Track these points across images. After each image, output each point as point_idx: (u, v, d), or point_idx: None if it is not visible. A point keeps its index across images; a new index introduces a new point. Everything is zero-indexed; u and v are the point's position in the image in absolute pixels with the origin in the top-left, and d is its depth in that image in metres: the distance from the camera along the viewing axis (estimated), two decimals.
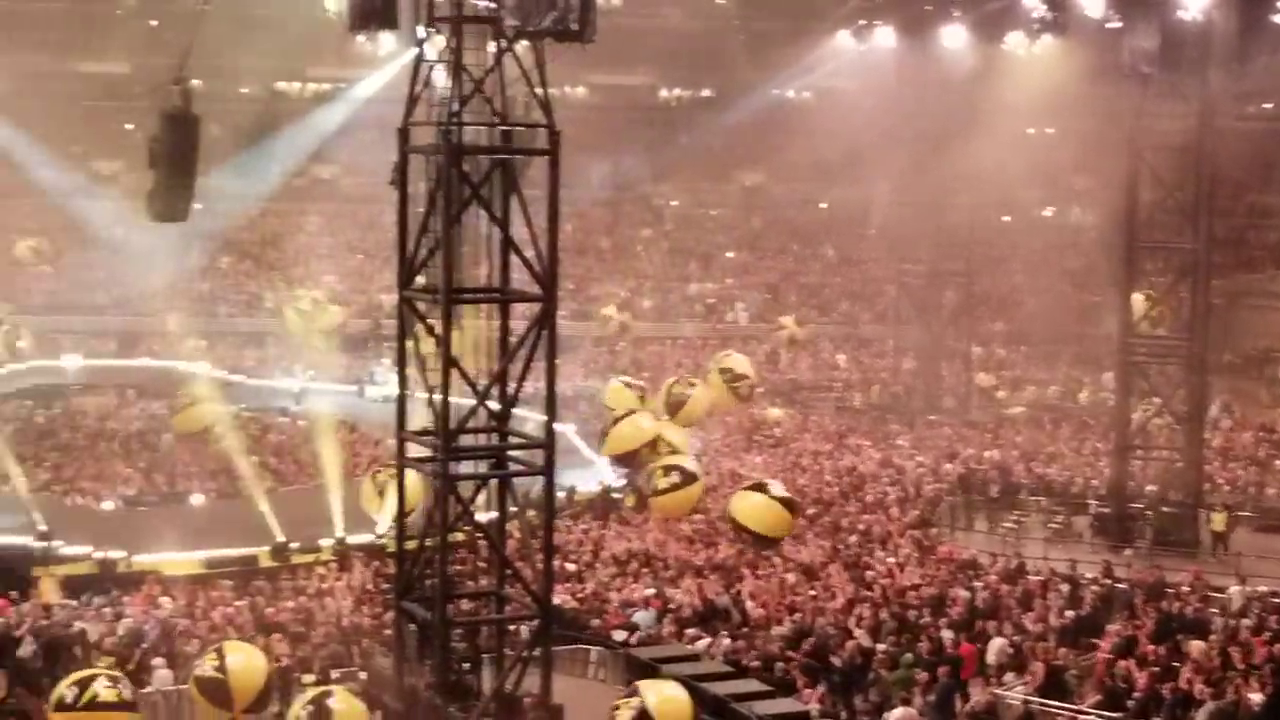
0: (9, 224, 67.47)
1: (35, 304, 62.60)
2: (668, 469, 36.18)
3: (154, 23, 63.75)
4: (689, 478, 35.97)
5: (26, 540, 33.13)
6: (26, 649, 27.31)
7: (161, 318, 62.41)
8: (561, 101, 26.20)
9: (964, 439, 48.60)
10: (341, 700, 21.50)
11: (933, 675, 25.08)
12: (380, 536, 33.11)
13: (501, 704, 22.63)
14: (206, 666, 23.49)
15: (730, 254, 72.95)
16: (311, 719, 21.17)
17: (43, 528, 33.40)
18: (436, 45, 23.21)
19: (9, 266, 64.82)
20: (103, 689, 22.62)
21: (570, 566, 32.08)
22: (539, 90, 22.80)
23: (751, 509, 33.19)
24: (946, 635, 27.37)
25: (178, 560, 32.74)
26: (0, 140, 58.78)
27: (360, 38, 53.54)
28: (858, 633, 27.48)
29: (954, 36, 50.88)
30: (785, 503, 33.48)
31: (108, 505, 38.55)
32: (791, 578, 31.07)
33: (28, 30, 61.87)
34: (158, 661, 25.89)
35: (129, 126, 65.04)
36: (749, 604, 29.53)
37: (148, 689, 25.22)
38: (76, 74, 65.81)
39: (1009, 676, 26.02)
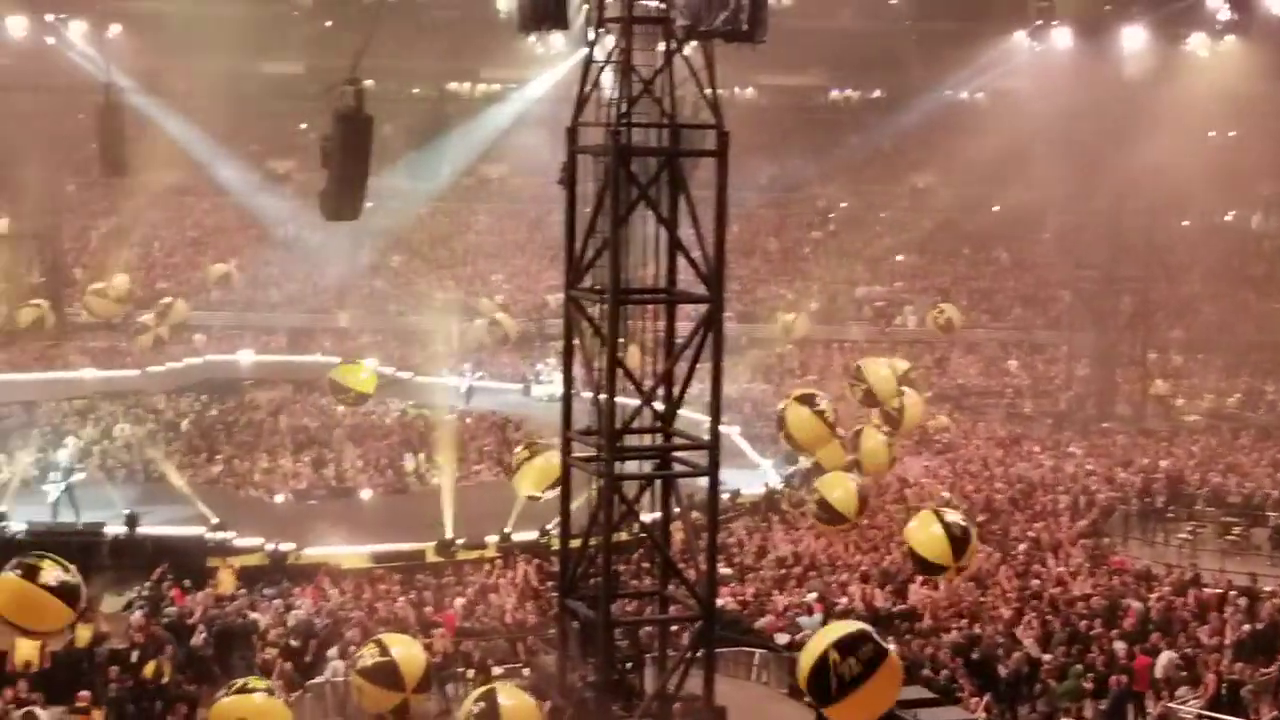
0: (189, 221, 69.05)
1: (212, 300, 63.84)
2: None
3: (328, 24, 64.77)
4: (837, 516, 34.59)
5: (201, 531, 33.78)
6: (199, 637, 27.89)
7: (333, 314, 63.54)
8: (730, 102, 26.12)
9: (1139, 447, 47.63)
10: (511, 696, 21.53)
11: (1102, 687, 24.59)
12: (545, 535, 33.19)
13: (664, 704, 22.58)
14: (368, 657, 23.78)
15: (899, 257, 72.21)
16: (482, 716, 21.21)
17: (216, 519, 34.01)
18: (606, 46, 23.22)
19: (186, 264, 66.29)
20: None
21: (732, 569, 31.93)
22: (708, 91, 22.73)
23: (929, 540, 31.39)
24: (1118, 647, 26.83)
25: (346, 554, 33.16)
26: (182, 139, 59.98)
27: (531, 38, 54.62)
28: (1026, 642, 27.05)
29: (1133, 37, 49.92)
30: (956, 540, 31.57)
31: (279, 498, 39.13)
32: (960, 585, 30.62)
33: (208, 32, 63.11)
34: (331, 653, 26.20)
35: (303, 126, 66.22)
36: (915, 610, 29.19)
37: (318, 679, 25.57)
38: (253, 75, 66.93)
39: (1182, 690, 25.43)
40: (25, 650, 27.46)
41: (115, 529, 33.43)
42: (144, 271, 66.90)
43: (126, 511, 33.75)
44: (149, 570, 31.55)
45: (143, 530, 33.52)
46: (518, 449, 34.90)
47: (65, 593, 23.67)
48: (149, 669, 26.04)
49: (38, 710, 24.33)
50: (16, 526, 33.43)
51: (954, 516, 29.41)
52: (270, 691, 22.79)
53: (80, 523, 33.81)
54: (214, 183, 63.80)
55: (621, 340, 22.75)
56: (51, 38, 55.66)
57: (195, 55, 61.16)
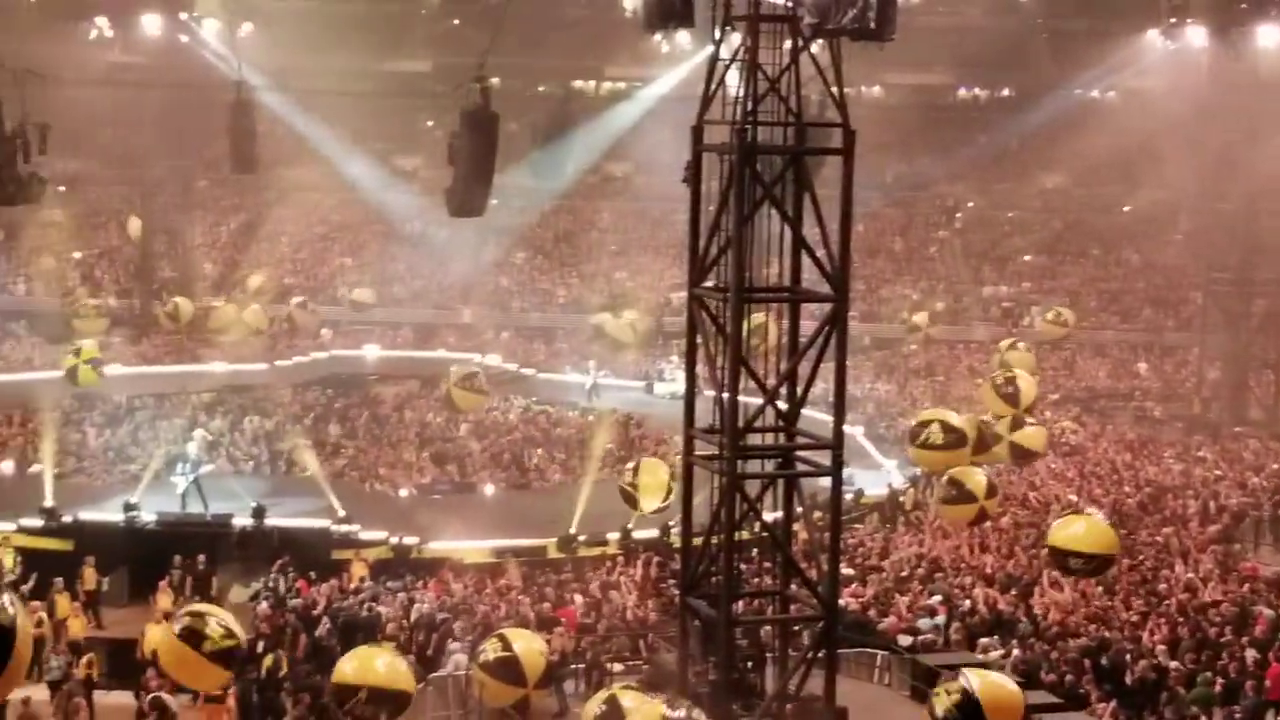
0: (316, 217, 69.84)
1: (339, 295, 64.54)
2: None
3: (455, 21, 65.20)
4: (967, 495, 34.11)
5: (326, 524, 34.14)
6: (323, 628, 28.19)
7: (457, 310, 63.99)
8: (857, 100, 25.96)
9: (1271, 452, 46.72)
10: (634, 700, 21.48)
11: (1233, 694, 24.17)
12: (666, 532, 33.19)
13: (784, 705, 22.49)
14: (490, 652, 23.92)
15: (1027, 257, 71.46)
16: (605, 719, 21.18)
17: (342, 512, 34.36)
18: (732, 44, 23.16)
19: (314, 260, 67.06)
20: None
21: (854, 569, 31.74)
22: (835, 89, 22.59)
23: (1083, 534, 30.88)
24: (1250, 655, 26.34)
25: (469, 548, 33.36)
26: (310, 136, 60.67)
27: (656, 37, 54.60)
28: (1159, 650, 26.63)
29: (1269, 35, 48.97)
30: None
31: (403, 492, 39.44)
32: (1087, 590, 30.21)
33: (337, 30, 63.80)
34: (453, 646, 26.35)
35: (429, 123, 66.75)
36: (1040, 615, 28.84)
37: (439, 672, 25.75)
38: (380, 72, 67.59)
39: None
40: (155, 639, 27.92)
41: (242, 521, 33.88)
42: (272, 267, 67.81)
43: (254, 504, 34.18)
44: (275, 562, 32.05)
45: (270, 522, 33.93)
46: (625, 472, 34.64)
47: (224, 658, 23.80)
48: (267, 661, 26.38)
49: (166, 696, 24.74)
50: (147, 517, 33.97)
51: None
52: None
53: (208, 514, 34.29)
54: (342, 179, 64.40)
55: (754, 330, 22.66)
56: (185, 36, 56.46)
57: (324, 53, 61.93)
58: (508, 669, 23.77)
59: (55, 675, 26.62)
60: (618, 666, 25.87)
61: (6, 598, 15.75)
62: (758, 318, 24.88)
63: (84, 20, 60.41)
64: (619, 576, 31.45)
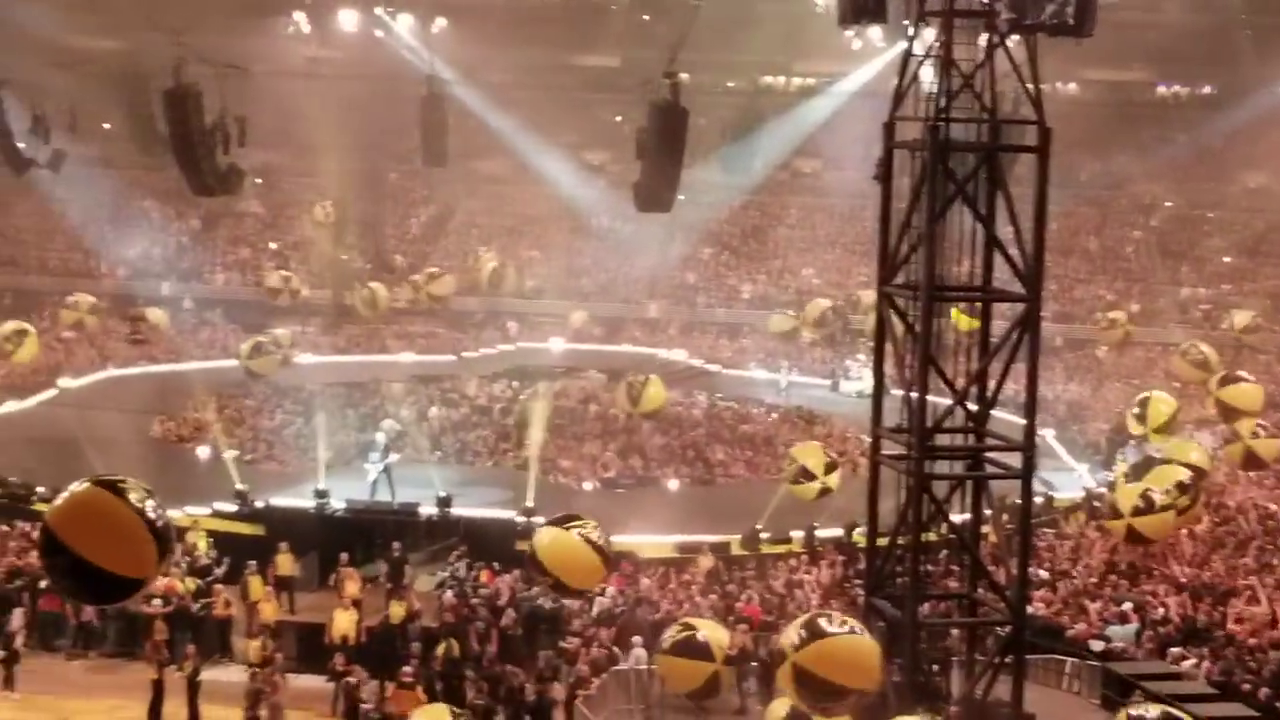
0: (505, 210, 70.49)
1: (526, 288, 65.08)
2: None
3: (646, 17, 65.32)
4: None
5: (511, 515, 34.37)
6: (507, 618, 28.43)
7: (643, 305, 64.14)
8: (1051, 97, 25.43)
9: None
10: None
11: None
12: (851, 532, 32.92)
13: (970, 709, 22.20)
14: (675, 635, 23.95)
15: (1227, 258, 69.71)
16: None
17: (529, 504, 34.55)
18: (925, 40, 22.91)
19: (502, 252, 67.66)
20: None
21: (1045, 573, 31.17)
22: (1030, 85, 22.25)
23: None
24: None
25: (651, 543, 33.38)
26: (500, 130, 61.23)
27: (848, 32, 54.20)
28: None
29: None
30: None
31: (586, 485, 39.58)
32: None
33: (528, 25, 64.32)
34: (636, 639, 26.39)
35: (618, 118, 66.94)
36: (1234, 626, 28.09)
37: (620, 666, 25.80)
38: (570, 67, 67.97)
39: None
40: (342, 624, 28.48)
41: (429, 510, 34.25)
42: (459, 259, 68.60)
43: (440, 493, 34.53)
44: (460, 551, 32.38)
45: (455, 512, 34.26)
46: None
47: (600, 549, 24.24)
48: (440, 649, 26.68)
49: (360, 680, 25.19)
50: (336, 504, 34.49)
51: None
52: None
53: (396, 503, 34.69)
54: (530, 173, 64.92)
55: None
56: (380, 31, 57.29)
57: (515, 48, 62.46)
58: (694, 647, 23.89)
59: (253, 658, 27.17)
60: None
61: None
62: (968, 320, 24.68)
63: (282, 15, 61.59)
64: (803, 575, 31.24)
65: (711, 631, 24.51)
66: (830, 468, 33.14)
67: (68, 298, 55.66)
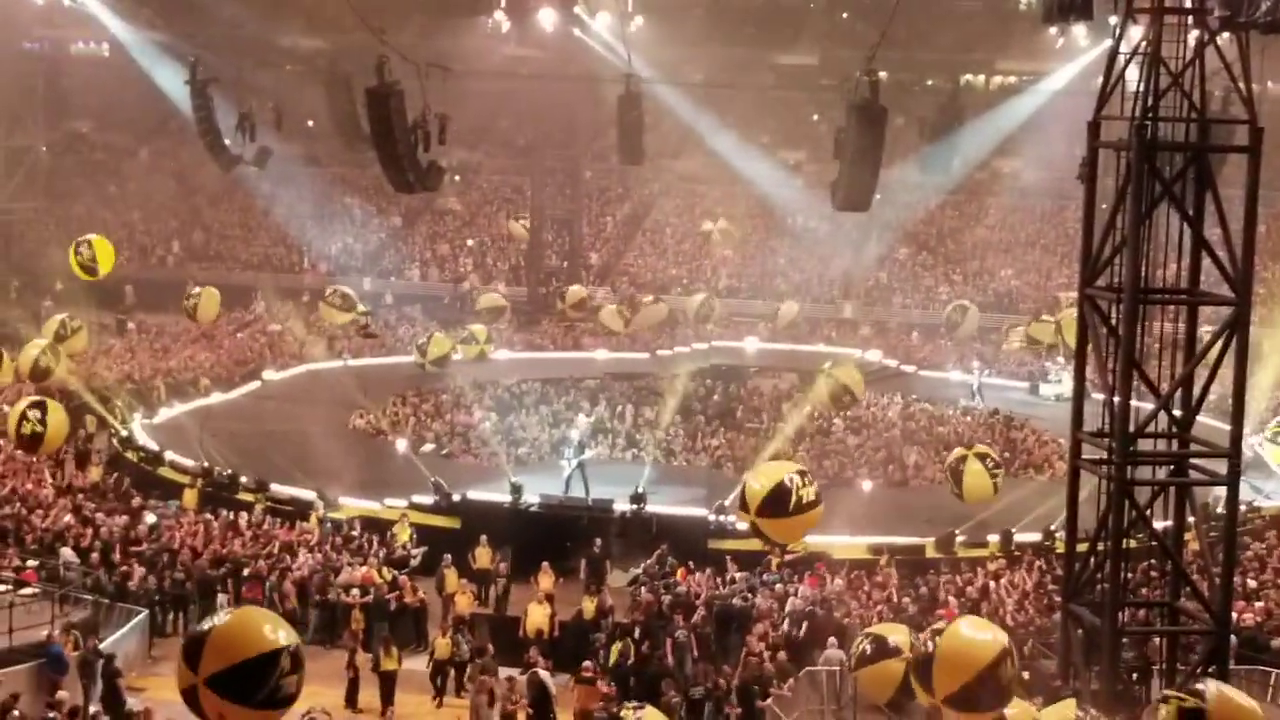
0: (699, 209, 70.62)
1: (720, 286, 65.13)
2: None
3: (845, 15, 65.01)
4: None
5: (704, 513, 34.40)
6: (698, 616, 28.50)
7: (838, 305, 63.81)
8: (1263, 96, 24.89)
9: None
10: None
11: None
12: (1050, 536, 32.44)
13: None
14: (865, 645, 23.65)
15: None
16: None
17: (721, 501, 34.53)
18: (1131, 38, 22.51)
19: (696, 252, 67.80)
20: None
21: (1251, 583, 30.43)
22: (1242, 84, 21.76)
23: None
24: None
25: (844, 544, 33.18)
26: (696, 128, 61.30)
27: (1051, 30, 53.36)
28: None
29: None
30: None
31: None
32: None
33: (725, 23, 64.41)
34: (830, 641, 26.25)
35: (815, 117, 66.72)
36: None
37: (815, 667, 25.68)
38: (768, 65, 67.82)
39: None
40: (536, 618, 28.77)
41: (622, 507, 34.43)
42: (655, 258, 68.88)
43: (634, 490, 34.68)
44: (653, 548, 32.49)
45: (649, 509, 34.40)
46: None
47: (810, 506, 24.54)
48: (615, 648, 26.81)
49: (543, 673, 25.41)
50: (531, 499, 34.83)
51: None
52: None
53: (590, 499, 34.95)
54: (726, 172, 64.92)
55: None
56: (578, 30, 57.71)
57: (712, 46, 62.52)
58: (884, 649, 23.62)
59: (464, 654, 27.58)
60: None
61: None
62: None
63: (483, 15, 62.31)
64: (999, 580, 30.82)
65: (901, 636, 24.20)
66: None
67: (327, 292, 56.74)
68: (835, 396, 41.31)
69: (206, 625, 16.23)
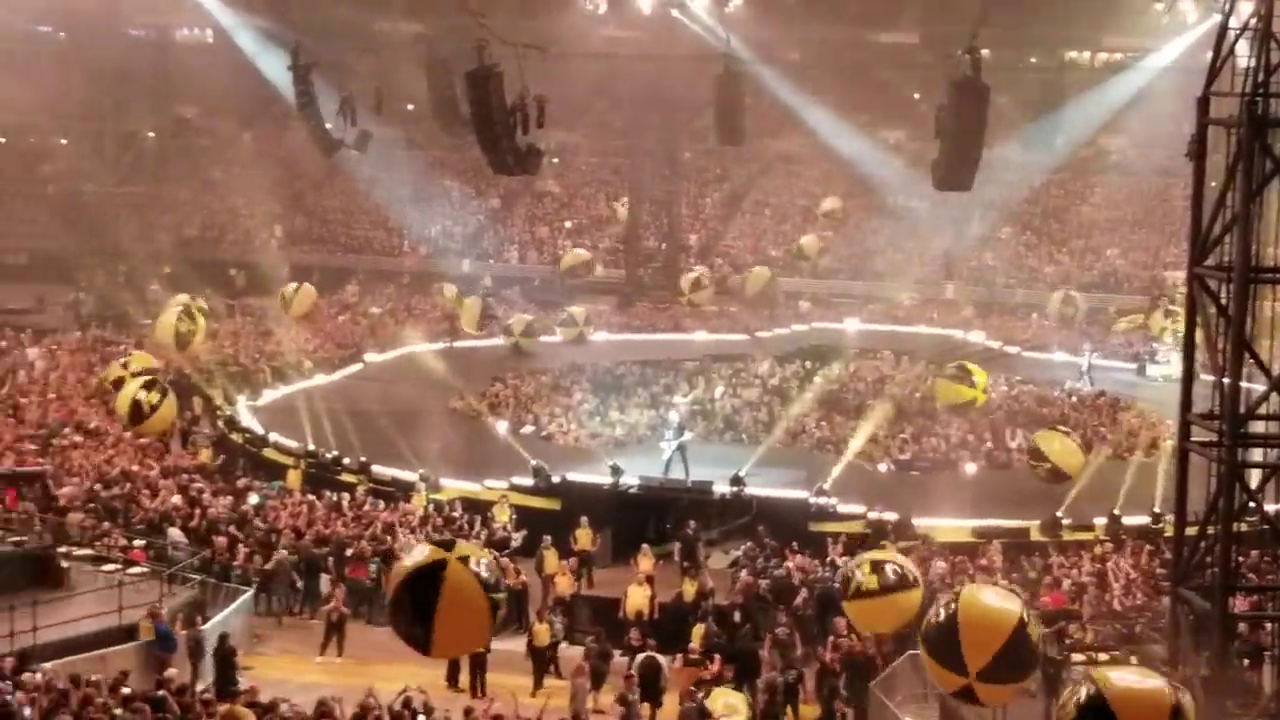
0: (798, 189, 70.34)
1: (820, 266, 64.84)
2: None
3: None
4: None
5: (805, 495, 34.21)
6: (799, 599, 28.36)
7: (940, 285, 63.29)
8: None
9: None
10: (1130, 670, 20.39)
11: None
12: (1158, 520, 31.99)
13: None
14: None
15: None
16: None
17: (826, 484, 34.33)
18: (1241, 13, 22.09)
19: (795, 232, 67.49)
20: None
21: None
22: None
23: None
24: None
25: (948, 527, 32.91)
26: (795, 108, 60.96)
27: (1158, 5, 52.53)
28: None
29: None
30: None
31: (881, 468, 39.17)
32: None
33: (825, 1, 64.03)
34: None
35: (915, 96, 66.10)
36: None
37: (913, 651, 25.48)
38: (867, 44, 67.30)
39: None
40: (636, 600, 28.72)
41: (722, 489, 34.30)
42: (753, 239, 68.64)
43: (734, 472, 34.54)
44: (753, 531, 32.36)
45: (749, 491, 34.25)
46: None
47: (905, 583, 24.09)
48: (695, 632, 26.68)
49: (659, 656, 25.38)
50: (630, 481, 34.78)
51: None
52: None
53: (689, 481, 34.84)
54: (825, 151, 64.59)
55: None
56: (675, 10, 57.53)
57: (811, 25, 62.09)
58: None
59: (558, 635, 27.62)
60: (1102, 656, 24.99)
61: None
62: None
63: None
64: (1106, 564, 30.41)
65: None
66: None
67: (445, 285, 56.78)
68: (955, 406, 41.19)
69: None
